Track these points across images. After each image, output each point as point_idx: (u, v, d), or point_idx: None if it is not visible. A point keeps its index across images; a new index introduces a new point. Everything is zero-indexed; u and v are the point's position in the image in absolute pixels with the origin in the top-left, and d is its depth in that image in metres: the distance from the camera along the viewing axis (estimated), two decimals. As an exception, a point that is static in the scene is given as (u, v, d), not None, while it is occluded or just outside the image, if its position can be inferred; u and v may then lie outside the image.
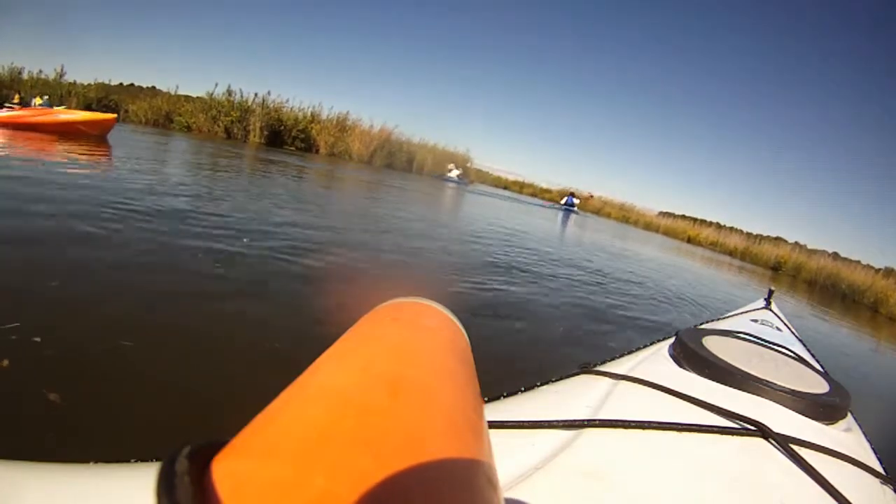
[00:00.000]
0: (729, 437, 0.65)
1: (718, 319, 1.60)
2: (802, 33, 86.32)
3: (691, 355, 0.91)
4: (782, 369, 0.91)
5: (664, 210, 28.16)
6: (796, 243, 20.32)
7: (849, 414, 0.86)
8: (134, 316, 1.69)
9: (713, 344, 0.97)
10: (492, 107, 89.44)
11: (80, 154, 5.77)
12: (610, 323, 3.09)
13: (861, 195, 65.40)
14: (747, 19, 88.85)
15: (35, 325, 1.47)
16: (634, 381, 0.79)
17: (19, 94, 10.87)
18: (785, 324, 1.68)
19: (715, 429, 0.65)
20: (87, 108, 9.14)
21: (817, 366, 1.19)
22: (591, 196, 24.13)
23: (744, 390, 0.79)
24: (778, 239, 21.71)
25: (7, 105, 8.21)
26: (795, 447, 0.63)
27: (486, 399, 0.69)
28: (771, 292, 2.09)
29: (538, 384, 0.81)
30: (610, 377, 0.82)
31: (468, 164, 22.61)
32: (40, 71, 16.10)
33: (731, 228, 23.94)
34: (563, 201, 19.97)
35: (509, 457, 0.57)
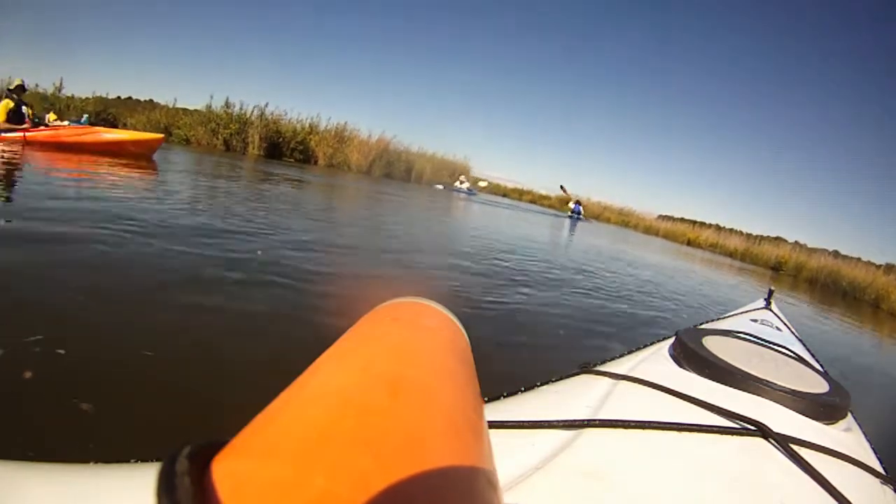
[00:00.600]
0: (729, 437, 0.65)
1: (718, 319, 1.60)
2: (801, 33, 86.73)
3: (691, 355, 0.91)
4: (782, 369, 0.91)
5: (663, 213, 28.20)
6: (796, 243, 20.38)
7: (849, 414, 0.86)
8: (158, 329, 1.71)
9: (713, 344, 0.98)
10: (489, 113, 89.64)
11: (131, 174, 5.78)
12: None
13: (861, 194, 65.43)
14: (746, 19, 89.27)
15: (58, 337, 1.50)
16: (634, 381, 0.79)
17: (54, 111, 10.39)
18: (785, 324, 1.68)
19: (715, 429, 0.65)
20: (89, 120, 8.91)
21: (817, 366, 1.20)
22: (588, 200, 24.24)
23: (744, 390, 0.80)
24: (778, 239, 21.74)
25: (45, 124, 7.64)
26: (795, 447, 0.63)
27: (486, 399, 0.69)
28: (771, 292, 2.09)
29: (538, 384, 0.81)
30: (610, 377, 0.82)
31: (469, 174, 23.11)
32: (37, 85, 16.22)
33: (731, 230, 23.98)
34: (570, 207, 20.43)
35: (509, 457, 0.57)
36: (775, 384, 0.80)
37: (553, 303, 3.26)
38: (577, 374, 0.86)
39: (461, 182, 21.47)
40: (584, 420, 0.65)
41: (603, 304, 3.59)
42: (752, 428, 0.66)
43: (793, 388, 0.80)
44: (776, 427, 0.66)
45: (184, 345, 1.65)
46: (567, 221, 16.92)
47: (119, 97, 20.40)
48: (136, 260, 2.43)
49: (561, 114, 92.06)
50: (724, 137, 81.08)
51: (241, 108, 16.22)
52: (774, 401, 0.77)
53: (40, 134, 7.38)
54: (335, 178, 12.60)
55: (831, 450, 0.66)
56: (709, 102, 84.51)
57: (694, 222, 25.34)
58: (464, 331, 0.34)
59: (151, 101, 20.28)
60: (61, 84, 17.08)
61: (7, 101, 7.16)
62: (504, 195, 30.35)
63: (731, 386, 0.81)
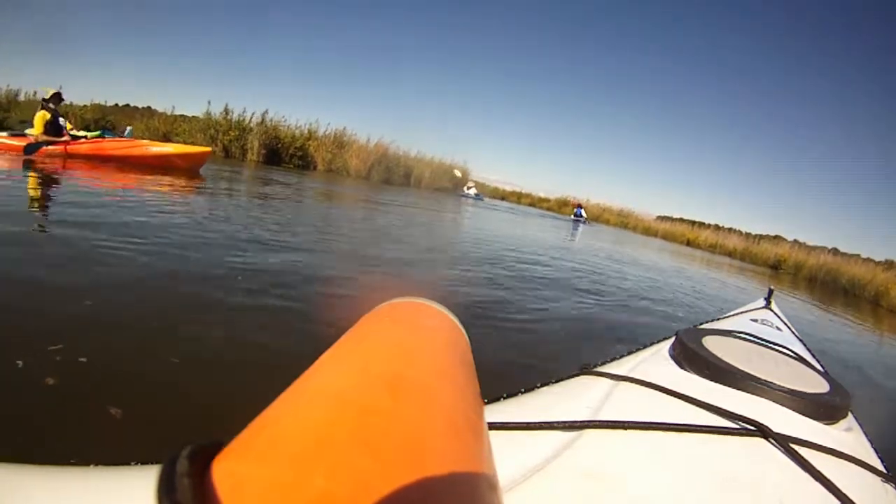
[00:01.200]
0: (729, 437, 0.65)
1: (718, 319, 1.60)
2: (798, 31, 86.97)
3: (691, 355, 0.91)
4: (782, 369, 0.91)
5: (662, 214, 28.20)
6: (795, 241, 20.34)
7: (849, 413, 0.85)
8: (181, 337, 1.73)
9: (713, 344, 0.98)
10: (487, 116, 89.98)
11: (178, 186, 5.77)
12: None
13: (861, 191, 65.50)
14: (739, 17, 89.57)
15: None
16: (634, 382, 0.79)
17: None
18: (785, 323, 1.68)
19: (715, 429, 0.65)
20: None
21: (817, 365, 1.19)
22: (587, 202, 24.38)
23: (744, 390, 0.79)
24: (777, 237, 21.75)
25: (84, 137, 7.30)
26: (796, 447, 0.63)
27: (485, 400, 0.69)
28: (771, 292, 2.09)
29: (538, 385, 0.81)
30: (610, 378, 0.82)
31: (467, 177, 23.65)
32: (35, 93, 16.17)
33: (730, 229, 24.01)
34: (573, 213, 21.29)
35: (509, 458, 0.57)
36: (775, 384, 0.80)
37: (556, 300, 3.29)
38: (577, 375, 0.86)
39: (468, 188, 22.69)
40: (584, 421, 0.64)
41: (604, 304, 3.60)
42: (753, 428, 0.66)
43: (793, 388, 0.80)
44: (776, 427, 0.66)
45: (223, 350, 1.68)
46: (571, 224, 17.45)
47: (117, 104, 20.40)
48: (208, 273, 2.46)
49: (558, 115, 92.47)
50: (723, 137, 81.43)
51: (240, 115, 16.21)
52: (775, 401, 0.77)
53: (83, 146, 7.16)
54: (334, 183, 12.59)
55: (832, 449, 0.66)
56: (706, 102, 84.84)
57: (693, 222, 25.37)
58: (464, 331, 0.34)
59: (149, 107, 20.29)
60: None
61: (43, 112, 6.84)
62: (502, 198, 30.40)
63: (731, 386, 0.81)
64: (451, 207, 12.84)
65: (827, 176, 70.09)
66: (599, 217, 25.19)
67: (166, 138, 15.04)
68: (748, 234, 22.52)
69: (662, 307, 4.14)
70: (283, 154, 16.57)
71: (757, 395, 0.79)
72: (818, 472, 0.59)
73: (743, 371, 0.84)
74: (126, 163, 7.23)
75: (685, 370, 0.89)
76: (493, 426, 0.62)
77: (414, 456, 0.16)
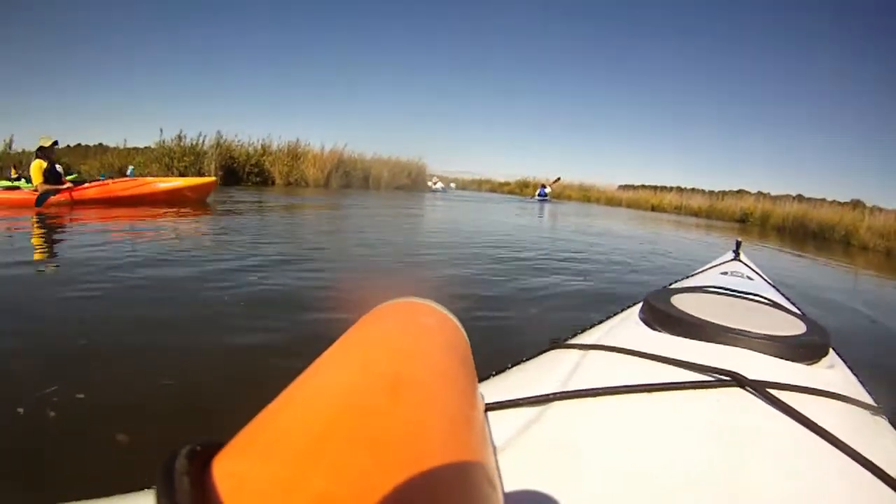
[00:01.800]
0: (704, 390, 0.63)
1: (687, 277, 1.60)
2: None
3: (661, 315, 0.89)
4: (756, 316, 0.90)
5: (624, 183, 28.62)
6: (759, 193, 20.80)
7: (831, 351, 0.84)
8: (182, 361, 1.72)
9: (683, 301, 0.96)
10: (438, 109, 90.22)
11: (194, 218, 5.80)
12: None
13: (817, 134, 67.73)
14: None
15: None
16: (604, 349, 0.76)
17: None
18: (756, 272, 1.67)
19: (688, 384, 0.63)
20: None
21: (794, 309, 1.19)
22: (559, 179, 24.65)
23: (718, 342, 0.78)
24: (741, 192, 22.21)
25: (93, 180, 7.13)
26: (774, 391, 0.61)
27: None
28: (739, 243, 2.09)
29: (509, 366, 0.79)
30: (580, 349, 0.79)
31: (426, 172, 24.63)
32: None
33: (693, 189, 24.53)
34: (537, 193, 21.61)
35: None
36: (749, 332, 0.78)
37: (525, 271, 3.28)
38: (547, 350, 0.83)
39: (434, 183, 24.61)
40: (551, 394, 0.62)
41: (575, 277, 3.61)
42: (727, 378, 0.64)
43: (767, 332, 0.78)
44: (754, 374, 0.64)
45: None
46: (536, 204, 17.79)
47: (68, 146, 19.84)
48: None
49: (507, 99, 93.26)
50: (672, 100, 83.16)
51: (193, 139, 15.90)
52: (750, 349, 0.76)
53: (88, 191, 6.93)
54: (293, 196, 12.37)
55: (813, 388, 0.65)
56: (653, 68, 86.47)
57: (655, 188, 25.79)
58: (463, 330, 0.34)
59: (101, 144, 19.80)
60: (11, 140, 16.63)
61: (39, 161, 6.48)
62: (463, 188, 30.67)
63: (704, 340, 0.79)
64: (414, 204, 12.90)
65: (780, 122, 72.31)
66: (562, 194, 25.49)
67: (121, 173, 14.68)
68: (711, 192, 23.04)
69: (633, 274, 4.16)
70: (241, 173, 16.33)
71: (732, 345, 0.77)
72: (798, 412, 0.57)
73: (714, 323, 0.81)
74: (136, 202, 7.09)
75: (656, 331, 0.87)
76: None
77: (414, 455, 0.16)
